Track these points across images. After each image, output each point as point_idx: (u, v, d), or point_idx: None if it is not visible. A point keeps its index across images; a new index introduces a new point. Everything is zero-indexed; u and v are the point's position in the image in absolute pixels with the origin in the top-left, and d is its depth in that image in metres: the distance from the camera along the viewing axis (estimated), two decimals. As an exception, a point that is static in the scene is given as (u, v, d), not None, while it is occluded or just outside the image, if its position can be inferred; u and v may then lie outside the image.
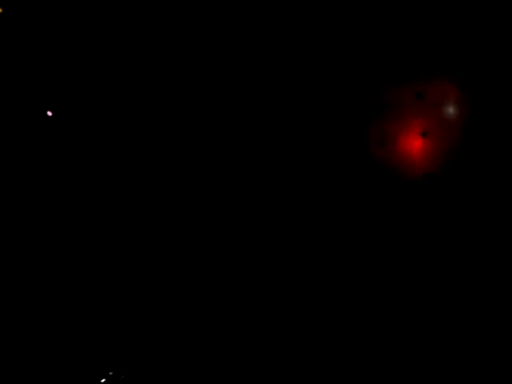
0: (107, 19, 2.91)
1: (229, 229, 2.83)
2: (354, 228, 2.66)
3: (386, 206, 2.49)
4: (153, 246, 2.83)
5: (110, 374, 2.58)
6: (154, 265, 2.80)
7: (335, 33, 2.83)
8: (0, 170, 2.72)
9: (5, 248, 2.66)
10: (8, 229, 2.69)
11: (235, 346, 2.44)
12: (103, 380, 2.57)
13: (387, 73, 2.60)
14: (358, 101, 2.76)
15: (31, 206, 2.74)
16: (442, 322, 2.27)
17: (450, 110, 2.33)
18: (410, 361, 2.32)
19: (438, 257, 2.31)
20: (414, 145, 2.48)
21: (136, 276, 2.78)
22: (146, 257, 2.81)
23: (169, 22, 3.03)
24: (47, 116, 2.68)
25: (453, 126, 2.34)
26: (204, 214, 2.89)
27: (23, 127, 2.76)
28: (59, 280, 2.70)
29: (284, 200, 2.76)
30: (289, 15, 2.98)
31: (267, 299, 2.49)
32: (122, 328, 2.67)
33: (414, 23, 2.53)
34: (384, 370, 2.36)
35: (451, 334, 2.24)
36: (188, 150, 3.00)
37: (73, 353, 2.59)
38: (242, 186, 2.88)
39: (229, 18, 3.04)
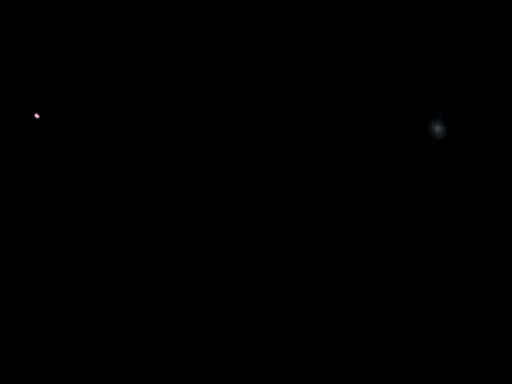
0: (107, 19, 2.91)
1: (227, 229, 2.83)
2: (353, 227, 2.66)
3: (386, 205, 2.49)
4: (152, 245, 2.83)
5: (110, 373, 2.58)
6: (154, 265, 2.80)
7: (335, 32, 2.83)
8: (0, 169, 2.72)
9: (5, 248, 2.66)
10: (8, 229, 2.68)
11: (235, 346, 2.44)
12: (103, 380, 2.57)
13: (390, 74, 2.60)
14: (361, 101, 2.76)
15: (31, 206, 2.74)
16: (442, 322, 2.27)
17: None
18: (409, 361, 2.32)
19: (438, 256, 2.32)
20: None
21: (136, 276, 2.78)
22: (146, 257, 2.81)
23: (169, 22, 3.03)
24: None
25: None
26: (203, 213, 2.89)
27: (23, 127, 2.76)
28: (59, 280, 2.70)
29: (283, 200, 2.76)
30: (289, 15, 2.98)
31: (266, 299, 2.49)
32: (121, 328, 2.67)
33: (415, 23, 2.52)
34: (384, 370, 2.36)
35: (451, 334, 2.24)
36: (187, 149, 3.00)
37: (73, 353, 2.59)
38: (241, 185, 2.88)
39: (228, 18, 3.04)
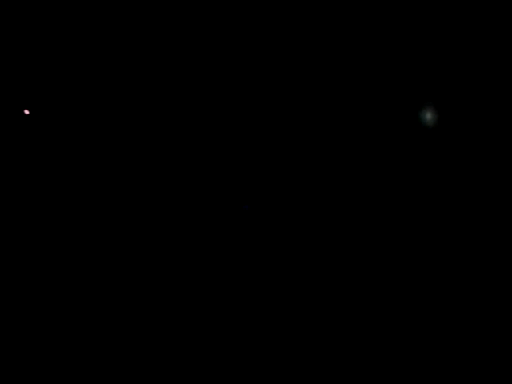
0: (107, 19, 2.92)
1: (227, 228, 2.83)
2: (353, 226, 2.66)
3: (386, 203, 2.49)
4: (152, 245, 2.83)
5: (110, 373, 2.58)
6: (153, 265, 2.80)
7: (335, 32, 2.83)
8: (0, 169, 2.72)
9: (5, 248, 2.66)
10: (8, 229, 2.69)
11: (234, 346, 2.44)
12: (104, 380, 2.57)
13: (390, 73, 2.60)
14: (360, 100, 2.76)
15: (31, 206, 2.74)
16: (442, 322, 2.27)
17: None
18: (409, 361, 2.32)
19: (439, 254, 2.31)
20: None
21: (135, 276, 2.78)
22: (145, 256, 2.81)
23: (168, 22, 3.03)
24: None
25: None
26: (202, 213, 2.89)
27: (23, 127, 2.76)
28: (59, 280, 2.70)
29: (283, 199, 2.76)
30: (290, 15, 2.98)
31: (266, 299, 2.49)
32: (121, 328, 2.67)
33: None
34: (383, 370, 2.36)
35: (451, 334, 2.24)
36: (187, 149, 3.00)
37: (73, 353, 2.59)
38: (240, 185, 2.88)
39: (228, 18, 3.04)
